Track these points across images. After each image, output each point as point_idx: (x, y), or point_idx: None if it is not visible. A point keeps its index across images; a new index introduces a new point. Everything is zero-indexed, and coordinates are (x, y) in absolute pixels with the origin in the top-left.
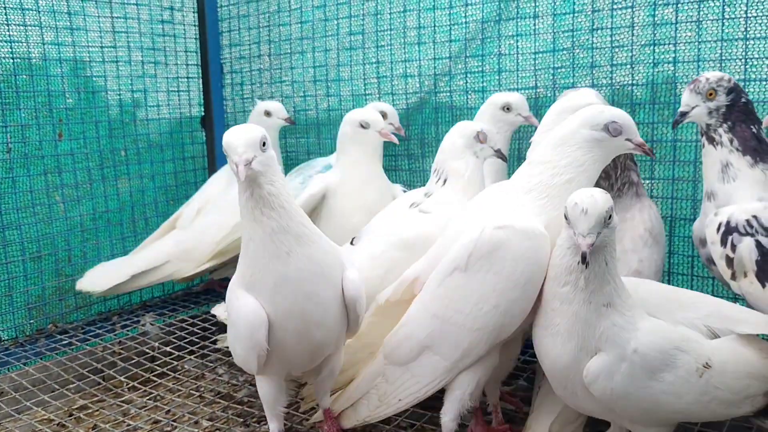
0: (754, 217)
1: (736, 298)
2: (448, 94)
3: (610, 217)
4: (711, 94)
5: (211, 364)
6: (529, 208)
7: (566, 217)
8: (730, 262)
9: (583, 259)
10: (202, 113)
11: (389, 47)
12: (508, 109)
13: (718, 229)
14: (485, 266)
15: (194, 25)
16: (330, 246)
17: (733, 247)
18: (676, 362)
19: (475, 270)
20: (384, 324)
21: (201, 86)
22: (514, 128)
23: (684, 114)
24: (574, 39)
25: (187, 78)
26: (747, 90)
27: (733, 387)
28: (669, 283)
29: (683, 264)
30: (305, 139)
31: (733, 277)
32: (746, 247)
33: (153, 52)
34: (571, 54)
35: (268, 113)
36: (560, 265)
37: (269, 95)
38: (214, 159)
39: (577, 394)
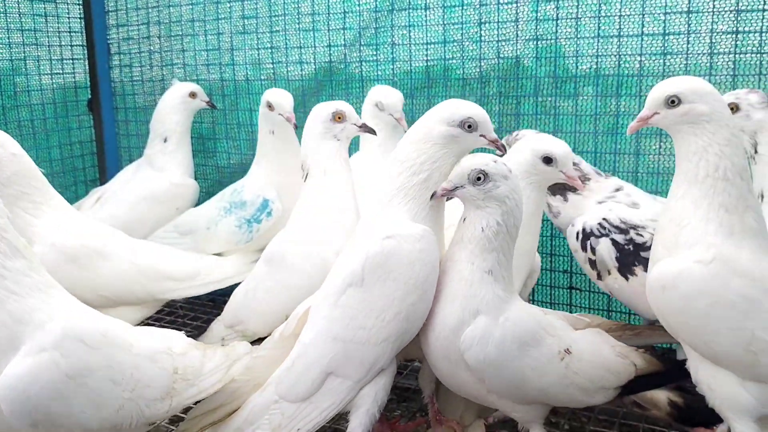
0: (604, 219)
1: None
2: (344, 82)
3: (479, 178)
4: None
5: None
6: (402, 213)
7: None
8: (593, 264)
9: (432, 196)
10: (89, 96)
11: (284, 32)
12: (339, 118)
13: (577, 237)
14: (382, 276)
15: (78, 4)
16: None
17: (593, 250)
18: (542, 341)
19: (372, 282)
20: (274, 358)
21: (87, 68)
22: (389, 127)
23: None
24: (464, 32)
25: (72, 60)
26: (621, 85)
27: (590, 376)
28: None
29: None
30: (199, 124)
31: (599, 277)
32: (604, 247)
33: (34, 34)
34: (461, 46)
35: (193, 95)
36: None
37: (160, 78)
38: (103, 143)
39: (455, 368)
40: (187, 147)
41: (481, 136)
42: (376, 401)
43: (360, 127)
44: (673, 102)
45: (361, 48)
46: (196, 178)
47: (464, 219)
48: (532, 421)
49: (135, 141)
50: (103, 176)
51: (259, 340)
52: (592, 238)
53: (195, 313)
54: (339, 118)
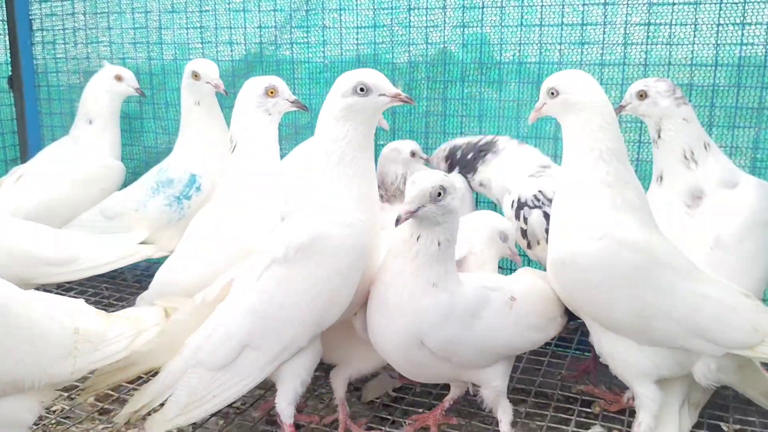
0: (540, 191)
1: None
2: (275, 63)
3: (440, 195)
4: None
5: None
6: (331, 195)
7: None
8: (524, 233)
9: (397, 222)
10: (10, 73)
11: (213, 12)
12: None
13: (512, 205)
14: (306, 257)
15: None
16: None
17: (525, 220)
18: (490, 299)
19: (296, 261)
20: (192, 323)
21: (7, 44)
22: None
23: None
24: (393, 17)
25: None
26: (542, 73)
27: (537, 312)
28: None
29: None
30: (126, 104)
31: (529, 246)
32: (536, 219)
33: None
34: (391, 30)
35: (119, 77)
36: (397, 237)
37: (85, 56)
38: (24, 122)
39: (421, 362)
40: (114, 129)
41: (380, 95)
42: (298, 377)
43: (292, 102)
44: (552, 93)
45: (292, 30)
46: (122, 159)
47: (418, 237)
48: (498, 390)
49: (58, 120)
50: (25, 155)
51: None
52: (526, 208)
53: (121, 294)
54: (272, 92)
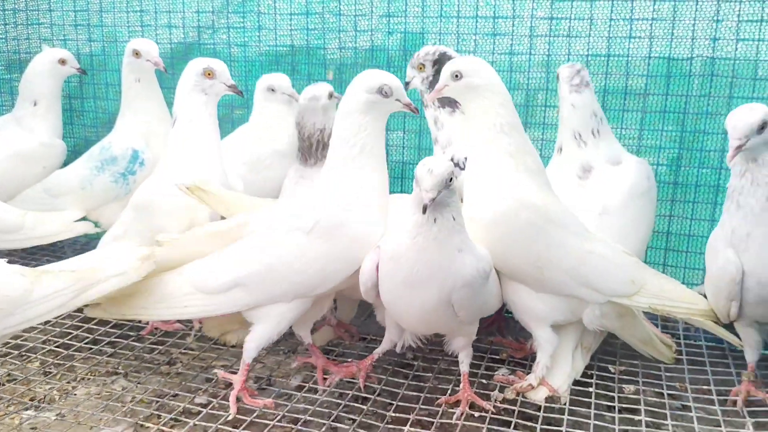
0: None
1: None
2: (212, 46)
3: (451, 180)
4: (421, 67)
5: None
6: (353, 183)
7: (415, 177)
8: None
9: (424, 210)
10: None
11: None
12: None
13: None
14: (326, 237)
15: None
16: None
17: (455, 179)
18: (491, 269)
19: (316, 236)
20: (194, 248)
21: None
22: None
23: (407, 83)
24: (324, 5)
25: None
26: None
27: (499, 284)
28: None
29: None
30: (66, 83)
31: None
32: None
33: None
34: (322, 18)
35: (63, 61)
36: (411, 221)
37: (25, 37)
38: None
39: (433, 319)
40: (56, 110)
41: (396, 100)
42: (276, 326)
43: (229, 86)
44: (456, 76)
45: (229, 15)
46: (63, 137)
47: (435, 219)
48: (470, 339)
49: None
50: None
51: None
52: (457, 169)
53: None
54: (209, 74)
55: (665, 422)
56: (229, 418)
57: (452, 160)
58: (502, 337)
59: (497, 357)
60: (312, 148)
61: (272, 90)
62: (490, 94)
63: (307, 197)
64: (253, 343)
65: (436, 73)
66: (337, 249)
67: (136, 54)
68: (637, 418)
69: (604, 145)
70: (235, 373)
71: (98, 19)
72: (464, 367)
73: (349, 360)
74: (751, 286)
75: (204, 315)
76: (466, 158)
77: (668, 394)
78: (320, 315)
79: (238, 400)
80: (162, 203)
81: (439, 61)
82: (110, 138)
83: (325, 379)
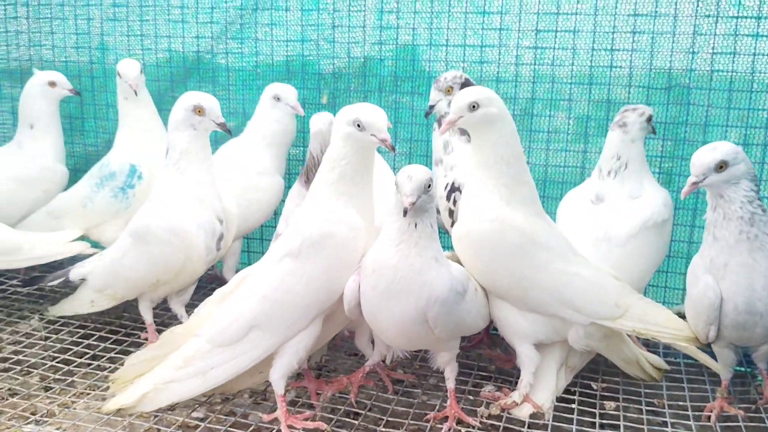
0: None
1: None
2: (211, 71)
3: (429, 186)
4: (449, 90)
5: None
6: (334, 202)
7: (396, 184)
8: (451, 213)
9: (404, 213)
10: None
11: (154, 22)
12: (278, 99)
13: (446, 187)
14: (316, 252)
15: None
16: None
17: (455, 203)
18: (469, 285)
19: (307, 255)
20: (211, 314)
21: None
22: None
23: (432, 107)
24: (319, 33)
25: None
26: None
27: (485, 304)
28: None
29: None
30: (67, 103)
31: (452, 225)
32: None
33: None
34: (317, 45)
35: (53, 84)
36: (393, 229)
37: (27, 58)
38: None
39: (412, 335)
40: (55, 132)
41: (371, 135)
42: (296, 354)
43: (218, 124)
44: (474, 107)
45: (228, 41)
46: (65, 157)
47: (415, 224)
48: (453, 355)
49: None
50: None
51: (130, 304)
52: (458, 193)
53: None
54: (199, 111)
55: None
56: None
57: (453, 183)
58: (490, 350)
59: (485, 373)
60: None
61: (277, 99)
62: (502, 125)
63: (291, 225)
64: (278, 374)
65: None
66: (330, 259)
67: (119, 75)
68: None
69: (628, 185)
70: (274, 409)
71: (99, 43)
72: (450, 383)
73: (340, 376)
74: (728, 312)
75: (234, 372)
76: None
77: (647, 410)
78: (329, 338)
79: (291, 427)
80: (158, 232)
81: (465, 86)
82: (109, 155)
83: (318, 394)
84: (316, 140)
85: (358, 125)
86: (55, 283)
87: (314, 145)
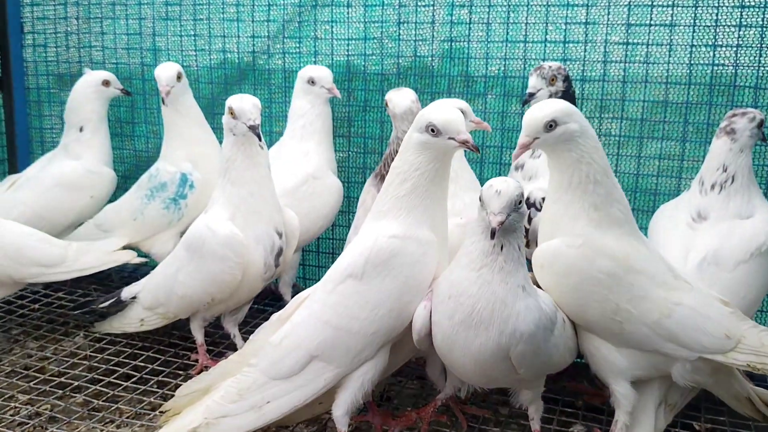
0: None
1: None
2: (267, 72)
3: (520, 202)
4: (553, 80)
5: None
6: (403, 219)
7: (481, 200)
8: (526, 232)
9: (492, 234)
10: (0, 74)
11: (207, 21)
12: (313, 82)
13: None
14: (383, 273)
15: None
16: None
17: (530, 220)
18: (557, 317)
19: (372, 277)
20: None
21: None
22: (322, 100)
23: (532, 95)
24: (383, 30)
25: None
26: (526, 86)
27: (573, 336)
28: None
29: None
30: (117, 107)
31: (527, 245)
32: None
33: None
34: (380, 43)
35: (107, 83)
36: (475, 250)
37: (77, 60)
38: (13, 124)
39: (494, 371)
40: (103, 135)
41: (449, 138)
42: (361, 388)
43: (249, 128)
44: (551, 126)
45: (285, 40)
46: (113, 163)
47: (501, 247)
48: (538, 393)
49: (48, 122)
50: (13, 157)
51: (179, 320)
52: (533, 210)
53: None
54: (232, 114)
55: None
56: None
57: (528, 198)
58: (576, 382)
59: (571, 409)
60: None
61: (312, 82)
62: (585, 140)
63: (353, 243)
64: (341, 410)
65: (566, 90)
66: (399, 280)
67: (157, 80)
68: None
69: (735, 202)
70: None
71: (151, 43)
72: (535, 425)
73: (408, 409)
74: None
75: (292, 407)
76: (543, 198)
77: None
78: (396, 368)
79: None
80: (214, 247)
81: (567, 80)
82: (157, 165)
83: (385, 430)
84: (405, 122)
85: (432, 130)
86: (107, 304)
87: (401, 129)
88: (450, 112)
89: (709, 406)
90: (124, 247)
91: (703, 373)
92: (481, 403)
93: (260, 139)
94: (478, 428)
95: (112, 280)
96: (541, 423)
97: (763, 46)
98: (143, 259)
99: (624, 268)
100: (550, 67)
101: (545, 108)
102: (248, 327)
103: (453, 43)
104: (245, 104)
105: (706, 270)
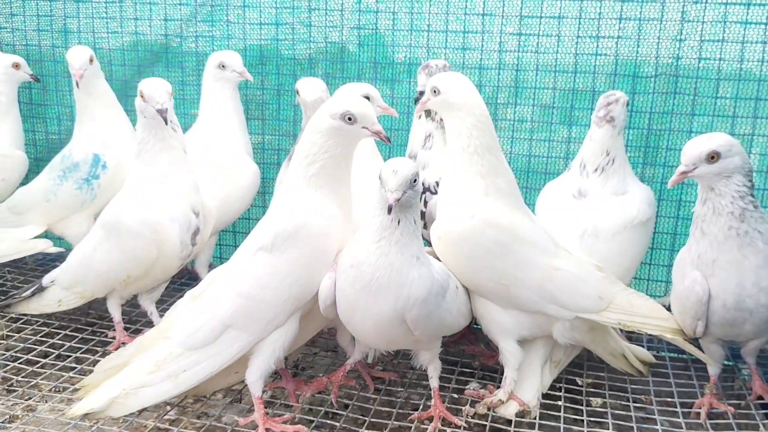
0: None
1: None
2: (180, 55)
3: (415, 180)
4: None
5: None
6: (310, 196)
7: (380, 179)
8: (422, 214)
9: (389, 210)
10: None
11: (119, 3)
12: (223, 66)
13: None
14: (291, 245)
15: None
16: None
17: (425, 204)
18: (449, 284)
19: (281, 249)
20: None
21: None
22: (233, 84)
23: (422, 93)
24: (295, 16)
25: None
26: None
27: (466, 302)
28: None
29: None
30: (28, 90)
31: (425, 226)
32: (434, 204)
33: None
34: (292, 29)
35: (17, 65)
36: (374, 224)
37: None
38: None
39: (392, 335)
40: (13, 117)
41: (363, 128)
42: (273, 354)
43: (157, 111)
44: (435, 91)
45: (198, 24)
46: (26, 146)
47: (398, 221)
48: (435, 354)
49: None
50: None
51: (96, 300)
52: (428, 193)
53: (25, 277)
54: (142, 96)
55: None
56: None
57: (423, 184)
58: (474, 346)
59: (468, 369)
60: None
61: (222, 67)
62: (464, 113)
63: (263, 219)
64: (254, 376)
65: None
66: (306, 252)
67: (68, 63)
68: (604, 431)
69: (612, 181)
70: (250, 411)
71: (62, 25)
72: (434, 383)
73: (320, 375)
74: (716, 309)
75: (207, 374)
76: (437, 183)
77: (634, 407)
78: (309, 337)
79: (269, 431)
80: (130, 225)
81: None
82: (70, 146)
83: (297, 395)
84: (315, 110)
85: (349, 118)
86: (29, 293)
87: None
88: (365, 104)
89: (590, 363)
90: (40, 236)
91: (580, 331)
92: (388, 368)
93: (166, 123)
94: (385, 389)
95: (25, 263)
96: (440, 382)
97: (641, 37)
98: (59, 249)
99: (510, 237)
100: (436, 65)
101: (436, 76)
102: (165, 305)
103: (361, 31)
104: (154, 88)
105: (586, 241)
